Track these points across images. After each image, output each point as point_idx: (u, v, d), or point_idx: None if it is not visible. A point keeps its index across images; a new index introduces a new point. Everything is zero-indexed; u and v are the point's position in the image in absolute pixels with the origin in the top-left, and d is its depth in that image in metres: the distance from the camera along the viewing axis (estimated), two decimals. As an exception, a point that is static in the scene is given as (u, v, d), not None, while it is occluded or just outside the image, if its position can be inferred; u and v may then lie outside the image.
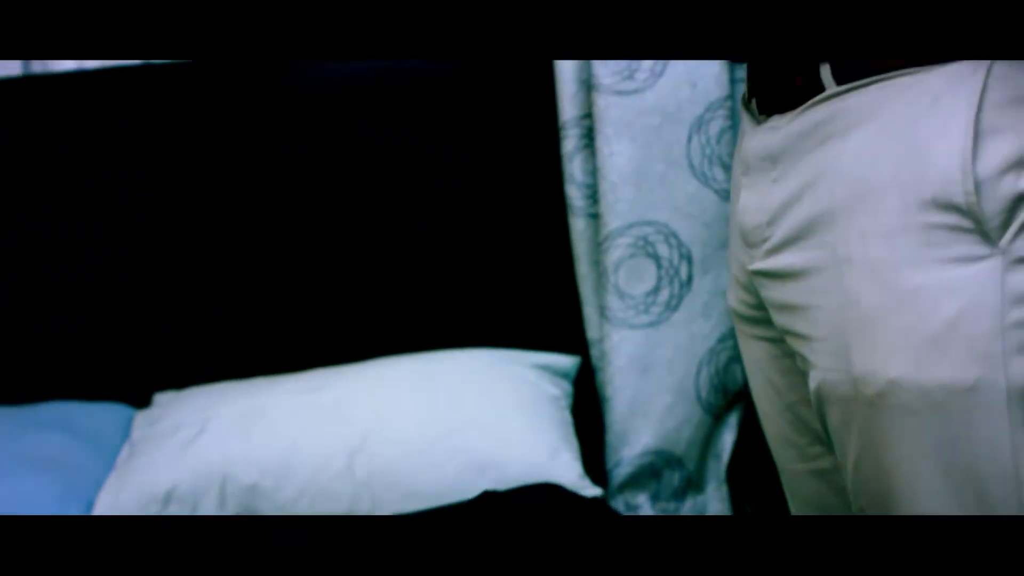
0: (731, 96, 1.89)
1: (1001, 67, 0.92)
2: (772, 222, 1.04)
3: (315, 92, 1.97)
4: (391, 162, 1.97)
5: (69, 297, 1.98)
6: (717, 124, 1.88)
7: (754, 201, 1.07)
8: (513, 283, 2.01)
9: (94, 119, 1.95)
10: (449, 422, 1.76)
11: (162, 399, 1.93)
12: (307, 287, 1.98)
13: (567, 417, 1.87)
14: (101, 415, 1.90)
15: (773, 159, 1.04)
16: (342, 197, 1.97)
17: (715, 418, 1.99)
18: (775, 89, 1.04)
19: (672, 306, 1.93)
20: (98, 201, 1.96)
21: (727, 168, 1.90)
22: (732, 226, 1.14)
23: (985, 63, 0.92)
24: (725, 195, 1.90)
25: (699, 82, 1.87)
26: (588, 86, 1.89)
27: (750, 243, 1.08)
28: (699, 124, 1.89)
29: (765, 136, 1.05)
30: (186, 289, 1.98)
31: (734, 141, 1.88)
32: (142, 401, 1.95)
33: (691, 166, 1.90)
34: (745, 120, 1.12)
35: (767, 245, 1.05)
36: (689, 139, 1.89)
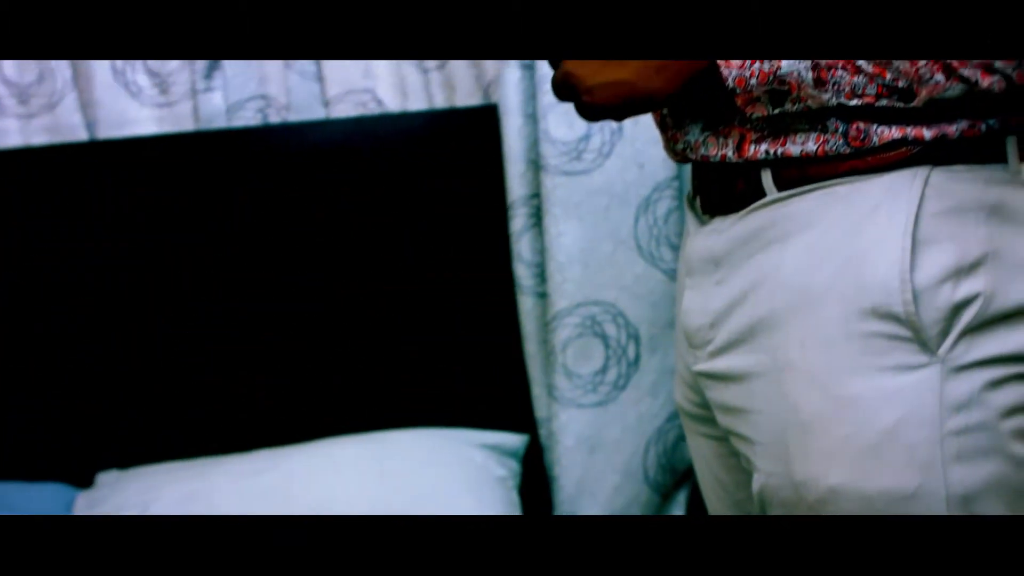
0: (678, 176, 1.90)
1: (938, 177, 0.93)
2: (715, 324, 1.05)
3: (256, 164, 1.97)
4: (335, 233, 1.96)
5: (7, 372, 1.95)
6: (664, 204, 1.90)
7: (697, 303, 1.07)
8: (462, 361, 2.00)
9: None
10: (395, 505, 1.75)
11: (105, 479, 1.90)
12: (253, 365, 1.97)
13: (514, 498, 1.86)
14: (41, 496, 1.87)
15: (716, 262, 1.05)
16: (287, 267, 1.96)
17: (663, 497, 1.98)
18: (718, 192, 1.05)
19: (620, 386, 1.93)
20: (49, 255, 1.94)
21: (674, 248, 1.91)
22: (677, 325, 1.15)
23: (923, 172, 0.93)
24: (672, 275, 1.91)
25: (647, 163, 1.89)
26: (536, 166, 1.90)
27: (694, 344, 1.08)
28: (646, 204, 1.90)
29: (708, 238, 1.06)
30: (131, 365, 1.96)
31: (681, 221, 1.90)
32: (84, 481, 1.92)
33: (638, 246, 1.91)
34: (690, 219, 1.13)
35: (710, 347, 1.05)
36: (636, 219, 1.90)
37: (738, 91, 0.89)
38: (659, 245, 1.91)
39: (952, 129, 0.91)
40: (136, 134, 1.99)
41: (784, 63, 0.86)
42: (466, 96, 2.03)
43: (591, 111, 0.94)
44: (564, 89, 0.94)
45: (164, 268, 1.95)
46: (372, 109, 2.02)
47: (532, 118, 1.93)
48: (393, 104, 2.03)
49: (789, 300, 0.97)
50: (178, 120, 2.01)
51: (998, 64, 0.82)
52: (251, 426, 1.96)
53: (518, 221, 1.93)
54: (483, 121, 1.97)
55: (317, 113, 2.03)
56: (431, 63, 2.02)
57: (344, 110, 2.02)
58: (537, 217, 1.93)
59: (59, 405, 1.96)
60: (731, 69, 0.88)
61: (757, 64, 0.87)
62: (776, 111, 0.92)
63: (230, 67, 1.99)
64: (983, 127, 0.92)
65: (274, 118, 2.03)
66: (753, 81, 0.88)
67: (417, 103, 2.03)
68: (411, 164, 1.98)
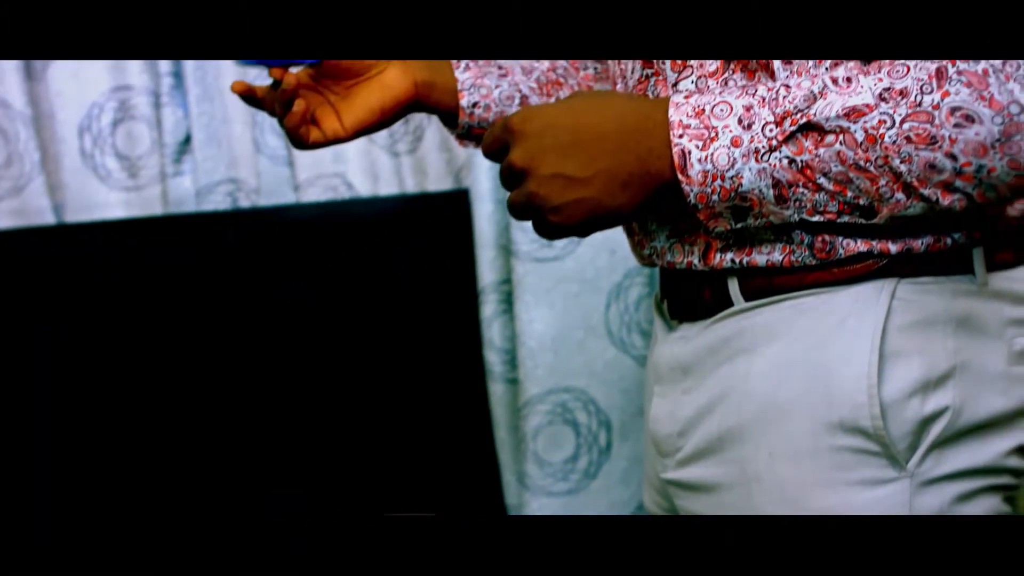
0: (649, 263, 1.90)
1: (905, 289, 0.93)
2: (683, 433, 1.03)
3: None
4: (304, 318, 1.95)
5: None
6: (636, 291, 1.89)
7: (665, 410, 1.06)
8: (432, 448, 1.98)
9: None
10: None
11: None
12: (216, 448, 1.94)
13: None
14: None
15: (684, 370, 1.04)
16: (256, 350, 1.94)
17: (635, 586, 1.96)
18: (685, 299, 1.04)
19: (591, 474, 1.91)
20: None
21: (645, 335, 1.90)
22: (646, 431, 1.14)
23: (890, 285, 0.92)
24: (643, 361, 1.90)
25: (618, 249, 1.89)
26: (507, 251, 1.89)
27: (662, 452, 1.07)
28: (618, 291, 1.89)
29: (676, 345, 1.05)
30: (94, 450, 1.93)
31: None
32: None
33: (609, 332, 1.90)
34: (657, 324, 1.12)
35: (679, 456, 1.04)
36: (608, 306, 1.90)
37: (700, 207, 0.89)
38: (630, 332, 1.90)
39: (918, 243, 0.91)
40: (104, 218, 1.98)
41: (744, 180, 0.86)
42: (437, 181, 2.03)
43: (556, 230, 0.93)
44: (528, 210, 0.93)
45: (132, 355, 1.93)
46: (343, 193, 2.02)
47: (503, 204, 1.93)
48: (364, 188, 2.02)
49: (757, 412, 0.96)
50: (147, 204, 2.00)
51: (958, 183, 0.82)
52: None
53: (489, 307, 1.92)
54: (454, 206, 1.97)
55: (287, 197, 2.02)
56: (402, 148, 2.02)
57: (314, 194, 2.01)
58: (508, 303, 1.92)
59: None
60: (692, 186, 0.87)
61: (718, 181, 0.87)
62: (739, 225, 0.92)
63: (200, 151, 1.98)
64: (948, 240, 0.92)
65: (244, 202, 2.02)
66: (715, 198, 0.88)
67: (388, 187, 2.03)
68: (381, 249, 1.97)
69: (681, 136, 0.87)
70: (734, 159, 0.86)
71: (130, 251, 1.95)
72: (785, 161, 0.85)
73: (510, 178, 0.93)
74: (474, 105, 1.17)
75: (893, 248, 0.91)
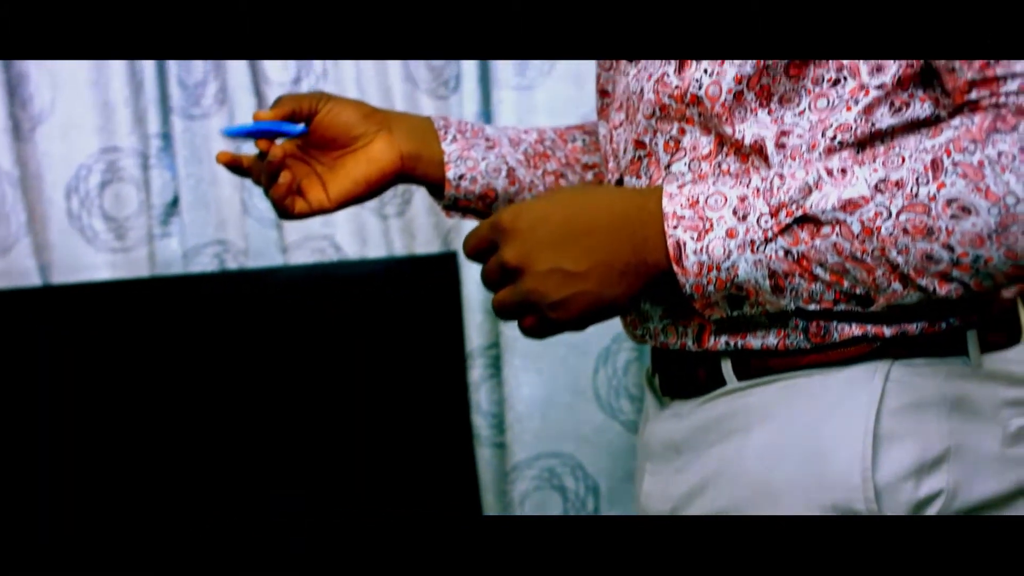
0: (637, 327, 1.90)
1: (899, 371, 0.92)
2: (675, 511, 1.03)
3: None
4: (290, 381, 1.94)
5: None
6: (624, 356, 1.89)
7: (658, 488, 1.05)
8: (418, 513, 1.97)
9: None
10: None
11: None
12: (208, 507, 1.92)
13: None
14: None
15: (676, 448, 1.03)
16: (243, 414, 1.93)
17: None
18: (678, 377, 1.04)
19: (579, 540, 1.90)
20: None
21: (633, 399, 1.90)
22: (636, 506, 1.13)
23: (884, 367, 0.92)
24: (631, 426, 1.89)
25: (606, 313, 1.88)
26: (495, 316, 1.89)
27: (654, 531, 1.06)
28: (606, 355, 1.89)
29: (668, 423, 1.04)
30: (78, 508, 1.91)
31: (640, 372, 1.89)
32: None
33: (597, 397, 1.89)
34: (649, 400, 1.12)
35: (671, 535, 1.03)
36: (596, 370, 1.89)
37: (696, 297, 0.88)
38: (618, 396, 1.89)
39: (912, 326, 0.91)
40: (90, 279, 1.97)
41: (740, 271, 0.86)
42: (425, 243, 2.03)
43: (554, 326, 0.93)
44: (524, 307, 0.92)
45: (118, 418, 1.91)
46: (331, 255, 2.01)
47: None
48: (352, 250, 2.02)
49: (750, 493, 0.96)
50: (133, 266, 2.00)
51: (955, 273, 0.82)
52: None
53: (476, 371, 1.92)
54: (442, 269, 1.97)
55: (275, 259, 2.02)
56: (390, 210, 2.02)
57: (302, 256, 2.01)
58: (496, 367, 1.91)
59: None
60: (688, 277, 0.87)
61: (714, 272, 0.86)
62: (735, 313, 0.92)
63: (187, 213, 1.98)
64: (943, 325, 0.92)
65: (231, 264, 2.01)
66: (711, 288, 0.87)
67: (376, 250, 2.03)
68: (369, 311, 1.96)
69: (676, 227, 0.87)
70: (730, 250, 0.86)
71: (116, 313, 1.94)
72: (781, 252, 0.85)
73: (502, 277, 0.92)
74: (460, 177, 1.17)
75: (888, 332, 0.91)
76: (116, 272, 2.00)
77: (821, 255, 0.84)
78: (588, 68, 1.93)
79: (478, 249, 0.94)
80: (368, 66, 2.00)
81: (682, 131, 0.98)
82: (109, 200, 1.98)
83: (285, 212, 1.14)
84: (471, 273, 1.92)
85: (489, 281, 0.94)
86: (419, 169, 1.16)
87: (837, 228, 0.83)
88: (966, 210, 0.79)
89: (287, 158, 1.13)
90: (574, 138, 1.25)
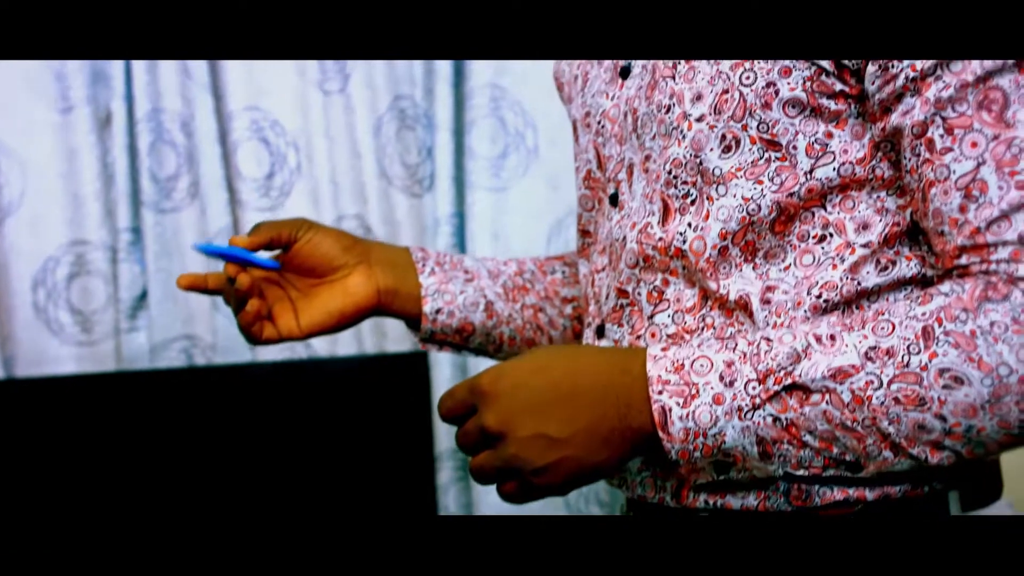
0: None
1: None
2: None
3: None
4: (257, 479, 1.91)
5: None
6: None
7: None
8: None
9: None
10: None
11: None
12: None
13: None
14: None
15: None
16: (208, 512, 1.90)
17: None
18: None
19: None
20: None
21: (603, 505, 1.88)
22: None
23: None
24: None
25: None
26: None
27: None
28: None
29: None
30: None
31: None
32: None
33: (567, 503, 1.88)
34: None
35: None
36: (566, 475, 1.88)
37: (681, 463, 0.87)
38: (588, 503, 1.88)
39: (895, 490, 0.91)
40: (55, 373, 1.94)
41: (728, 437, 0.85)
42: (396, 342, 2.01)
43: (538, 491, 0.91)
44: (505, 473, 0.91)
45: (84, 514, 1.88)
46: (300, 353, 2.00)
47: (462, 368, 1.92)
48: (322, 348, 2.00)
49: None
50: (99, 359, 1.97)
51: (947, 442, 0.81)
52: None
53: (444, 473, 1.90)
54: (413, 368, 1.95)
55: (244, 355, 1.99)
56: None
57: (272, 353, 1.99)
58: (464, 470, 1.89)
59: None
60: (674, 443, 0.86)
61: (701, 438, 0.86)
62: (721, 478, 0.91)
63: (156, 307, 1.96)
64: (926, 488, 0.91)
65: (200, 359, 1.99)
66: (697, 454, 0.86)
67: (347, 347, 2.01)
68: (338, 409, 1.94)
69: (661, 392, 0.86)
70: (716, 417, 0.85)
71: (81, 407, 1.90)
72: (769, 419, 0.84)
73: (481, 441, 0.91)
74: (438, 311, 1.16)
75: (870, 495, 0.91)
76: (82, 366, 1.97)
77: (810, 423, 0.84)
78: (563, 170, 1.93)
79: (456, 413, 0.93)
80: (343, 161, 1.99)
81: (666, 282, 0.98)
82: (76, 293, 1.96)
83: (252, 338, 1.12)
84: (441, 373, 1.91)
85: (465, 445, 0.92)
86: (396, 304, 1.15)
87: (827, 396, 0.83)
88: (959, 380, 0.79)
89: (261, 280, 1.12)
90: (553, 270, 1.25)
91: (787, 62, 0.89)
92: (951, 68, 0.82)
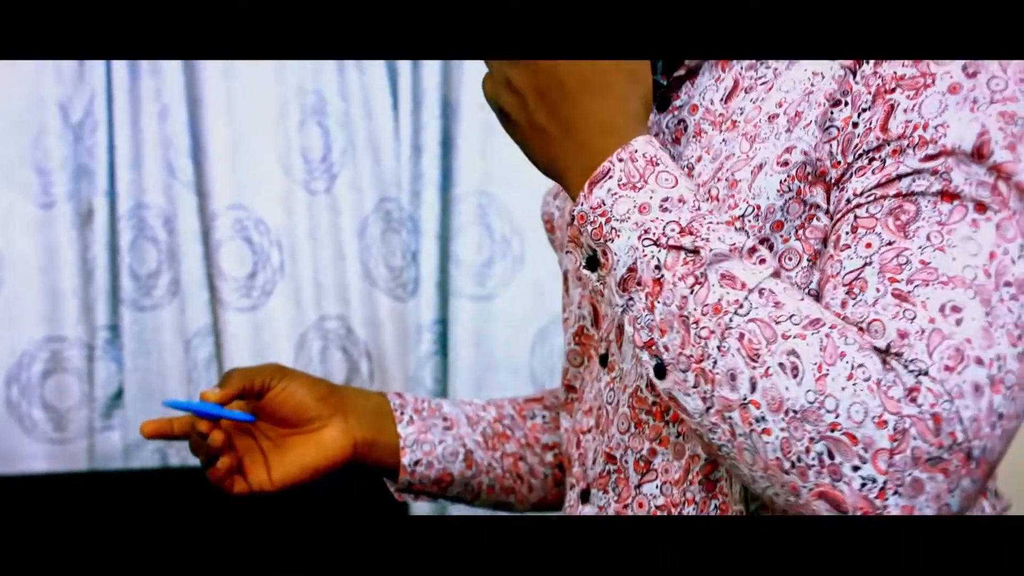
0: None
1: None
2: None
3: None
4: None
5: None
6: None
7: None
8: None
9: None
10: None
11: None
12: None
13: None
14: None
15: None
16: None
17: None
18: None
19: None
20: None
21: None
22: None
23: None
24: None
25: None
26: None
27: None
28: None
29: None
30: None
31: None
32: None
33: None
34: None
35: None
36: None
37: (574, 222, 0.87)
38: None
39: None
40: (26, 471, 1.91)
41: (619, 240, 0.83)
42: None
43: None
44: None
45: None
46: (277, 455, 1.97)
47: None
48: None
49: None
50: (72, 458, 1.94)
51: (734, 415, 0.77)
52: None
53: None
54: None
55: (219, 457, 1.96)
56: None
57: (247, 455, 1.96)
58: (441, 583, 1.86)
59: None
60: (588, 200, 0.85)
61: (602, 219, 0.84)
62: (587, 272, 0.89)
63: (131, 406, 1.93)
64: None
65: (174, 459, 1.96)
66: (590, 228, 0.85)
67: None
68: (315, 514, 1.91)
69: (622, 160, 0.85)
70: (628, 217, 0.83)
71: (52, 507, 1.87)
72: (654, 261, 0.82)
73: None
74: (416, 463, 1.13)
75: None
76: (53, 464, 1.93)
77: (670, 295, 0.81)
78: (548, 280, 1.92)
79: None
80: (327, 264, 1.97)
81: (652, 452, 0.95)
82: (51, 390, 1.93)
83: (222, 491, 1.08)
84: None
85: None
86: (373, 455, 1.12)
87: (703, 284, 0.80)
88: (795, 372, 0.76)
89: (231, 427, 1.09)
90: (533, 415, 1.22)
91: (779, 216, 0.87)
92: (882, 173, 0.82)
